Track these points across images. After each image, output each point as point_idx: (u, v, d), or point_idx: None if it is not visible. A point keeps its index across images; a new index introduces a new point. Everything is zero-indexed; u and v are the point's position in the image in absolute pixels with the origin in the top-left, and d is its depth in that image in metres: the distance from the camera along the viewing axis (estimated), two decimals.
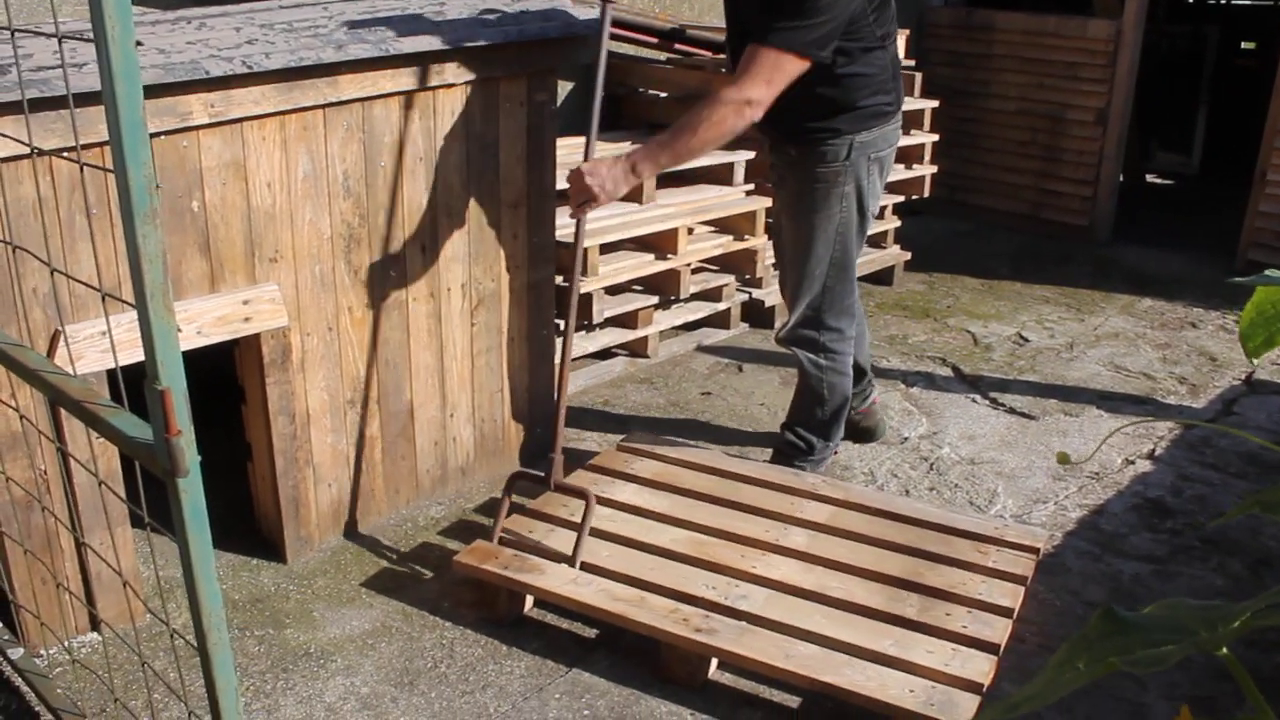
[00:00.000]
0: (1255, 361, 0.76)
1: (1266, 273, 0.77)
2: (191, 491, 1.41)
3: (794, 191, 3.07)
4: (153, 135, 2.33)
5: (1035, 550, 2.85)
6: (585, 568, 2.68)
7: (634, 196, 4.17)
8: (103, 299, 1.52)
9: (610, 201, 2.80)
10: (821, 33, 2.68)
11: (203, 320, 2.55)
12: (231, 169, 2.53)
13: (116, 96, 1.18)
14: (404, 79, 2.77)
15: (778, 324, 4.77)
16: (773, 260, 4.75)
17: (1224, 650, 0.78)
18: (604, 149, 4.44)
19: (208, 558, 1.45)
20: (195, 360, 2.61)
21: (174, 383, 1.33)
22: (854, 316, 3.22)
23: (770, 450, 3.49)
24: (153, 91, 2.25)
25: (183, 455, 1.36)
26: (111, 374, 2.37)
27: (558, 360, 3.14)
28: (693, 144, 2.74)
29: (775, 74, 2.66)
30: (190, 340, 2.52)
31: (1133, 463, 3.65)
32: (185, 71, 2.28)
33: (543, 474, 2.95)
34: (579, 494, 2.85)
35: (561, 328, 3.19)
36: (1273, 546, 3.16)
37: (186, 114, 2.36)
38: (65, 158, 2.12)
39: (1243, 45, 9.26)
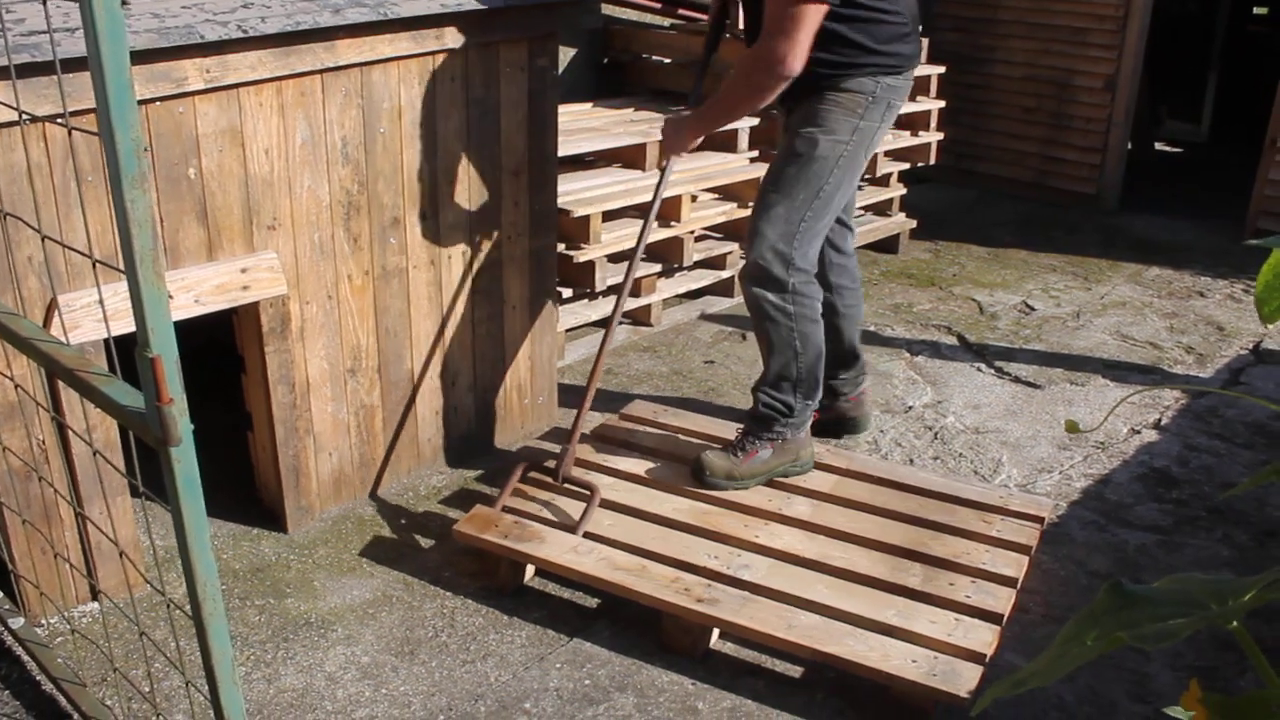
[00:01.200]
0: (1269, 326, 0.73)
1: None
2: (184, 460, 1.39)
3: (805, 112, 2.86)
4: (147, 101, 2.30)
5: (1040, 520, 2.83)
6: (587, 536, 2.67)
7: (637, 162, 4.13)
8: (94, 266, 1.50)
9: (675, 154, 2.99)
10: None
11: (200, 289, 2.52)
12: (228, 135, 2.50)
13: (102, 58, 1.15)
14: (403, 44, 2.73)
15: None
16: None
17: (1235, 624, 0.76)
18: (606, 114, 4.41)
19: (202, 527, 1.43)
20: (194, 329, 2.60)
21: (165, 350, 1.31)
22: (815, 263, 2.95)
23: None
24: (146, 56, 2.22)
25: (175, 423, 1.34)
26: (109, 342, 2.35)
27: (595, 352, 3.10)
28: (739, 96, 2.79)
29: (797, 23, 2.59)
30: (188, 309, 2.50)
31: (1138, 432, 3.63)
32: (179, 36, 2.24)
33: (552, 466, 2.91)
34: (587, 487, 2.83)
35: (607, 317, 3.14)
36: (1279, 517, 3.14)
37: (182, 79, 2.33)
38: (56, 123, 2.09)
39: (1255, 10, 9.16)
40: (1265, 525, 3.10)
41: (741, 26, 3.23)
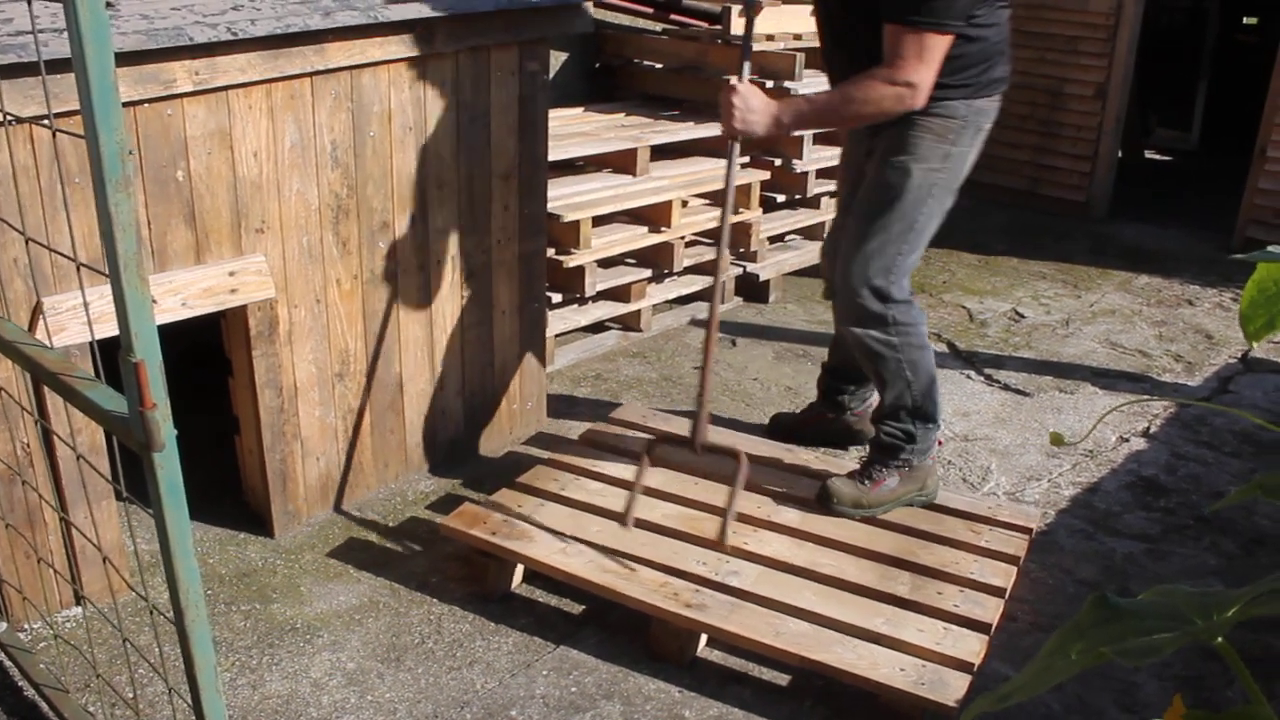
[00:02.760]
0: (1255, 345, 0.73)
1: (1269, 249, 0.74)
2: (168, 466, 1.38)
3: (894, 139, 2.74)
4: (136, 103, 2.29)
5: (1028, 530, 2.83)
6: (576, 541, 2.66)
7: (628, 168, 4.13)
8: (78, 269, 1.49)
9: (742, 134, 2.70)
10: (963, 2, 2.53)
11: (188, 292, 2.51)
12: (217, 138, 2.48)
13: (85, 60, 1.14)
14: (393, 47, 2.72)
15: (772, 298, 4.77)
16: (768, 234, 4.73)
17: (1220, 640, 0.76)
18: (597, 119, 4.41)
19: (185, 533, 1.42)
20: (183, 332, 2.59)
21: (149, 355, 1.30)
22: (909, 290, 2.86)
23: (768, 434, 3.45)
24: (135, 58, 2.21)
25: (158, 429, 1.33)
26: (94, 346, 2.34)
27: (708, 315, 2.95)
28: (844, 115, 2.69)
29: (928, 54, 2.50)
30: (175, 312, 2.48)
31: (1127, 440, 3.63)
32: (168, 38, 2.23)
33: (687, 435, 2.81)
34: (730, 454, 2.74)
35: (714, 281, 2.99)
36: (1266, 526, 3.14)
37: (170, 81, 2.32)
38: (40, 125, 2.08)
39: (1244, 20, 9.19)
40: (1252, 534, 3.10)
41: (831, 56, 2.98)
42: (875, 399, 3.35)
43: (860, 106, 2.60)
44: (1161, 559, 2.97)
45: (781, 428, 3.49)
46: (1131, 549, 3.01)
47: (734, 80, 2.69)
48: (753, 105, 2.66)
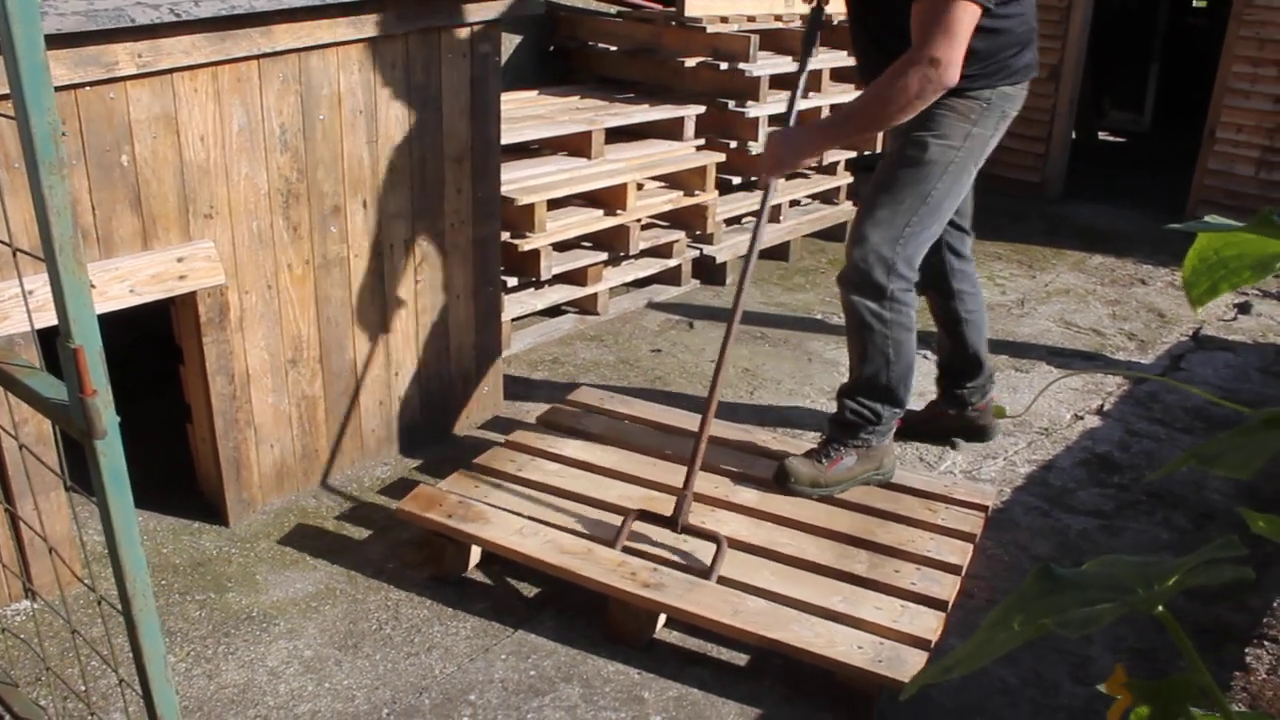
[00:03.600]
0: (1198, 311, 0.73)
1: (1206, 218, 0.74)
2: (110, 453, 1.35)
3: (918, 116, 2.65)
4: (77, 86, 2.25)
5: (984, 508, 2.85)
6: (533, 521, 2.65)
7: (582, 150, 4.11)
8: (14, 255, 1.46)
9: (785, 171, 2.80)
10: None
11: (135, 278, 2.47)
12: (162, 122, 2.45)
13: (14, 39, 1.11)
14: (341, 29, 2.69)
15: (729, 279, 4.77)
16: (724, 216, 4.73)
17: (1160, 609, 0.76)
18: (551, 102, 4.38)
19: (130, 521, 1.40)
20: (135, 320, 2.56)
21: (87, 341, 1.28)
22: (917, 273, 2.84)
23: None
24: (74, 40, 2.16)
25: (99, 416, 1.31)
26: (42, 334, 2.30)
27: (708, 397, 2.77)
28: (878, 115, 2.60)
29: (955, 26, 2.45)
30: (123, 299, 2.45)
31: (1081, 418, 3.67)
32: (109, 19, 2.19)
33: (669, 514, 2.66)
34: (710, 538, 2.60)
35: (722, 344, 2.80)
36: (1216, 500, 3.19)
37: (112, 64, 2.28)
38: None
39: (1194, 4, 9.29)
40: (1203, 508, 3.15)
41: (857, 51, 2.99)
42: (994, 392, 3.35)
43: (891, 102, 2.53)
44: (1115, 534, 3.00)
45: (913, 427, 3.42)
46: (1086, 525, 3.04)
47: (781, 129, 2.77)
48: (781, 146, 2.75)
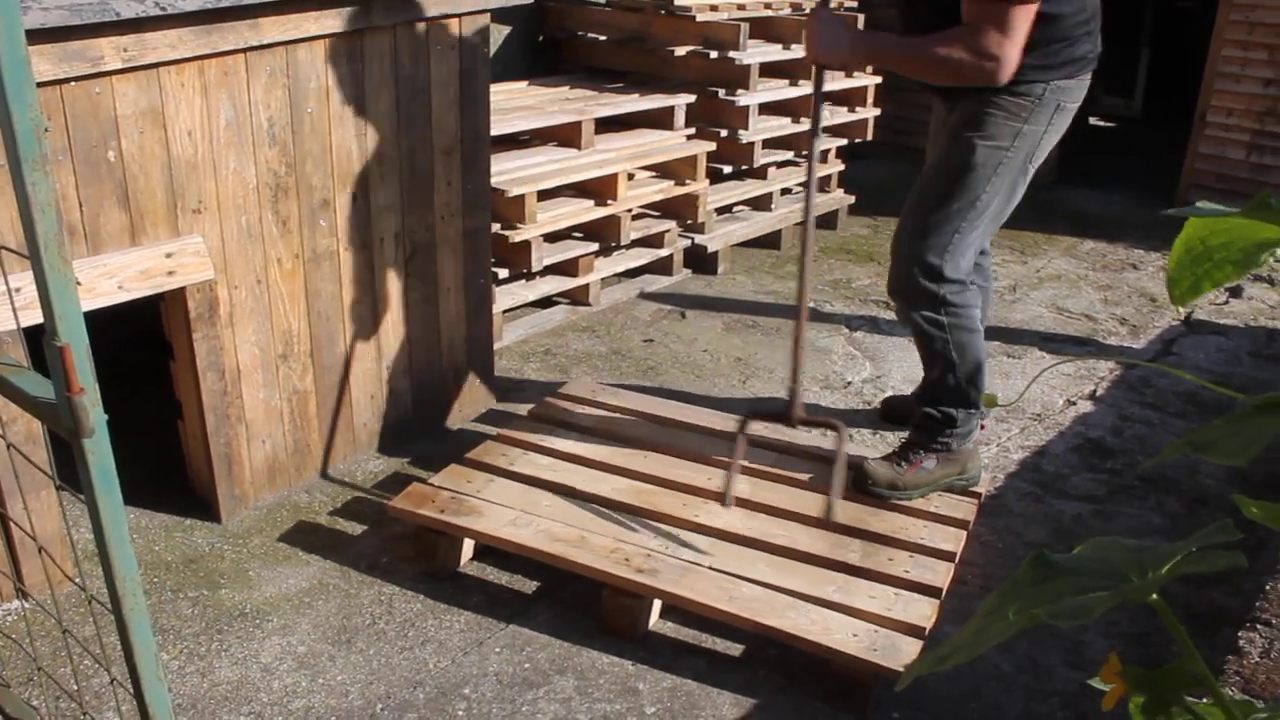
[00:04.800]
0: (1181, 309, 0.72)
1: (1198, 204, 0.73)
2: (98, 451, 1.34)
3: (966, 114, 2.65)
4: (62, 81, 2.24)
5: (977, 494, 2.85)
6: (526, 514, 2.64)
7: (573, 141, 4.09)
8: None
9: (823, 60, 2.67)
10: None
11: (124, 275, 2.46)
12: (149, 116, 2.43)
13: None
14: (329, 21, 2.67)
15: (721, 269, 4.76)
16: (716, 205, 4.72)
17: (1154, 597, 0.76)
18: (541, 92, 4.37)
19: (119, 519, 1.39)
20: (126, 317, 2.54)
21: (74, 338, 1.27)
22: (970, 274, 2.80)
23: (736, 410, 3.44)
24: (59, 34, 2.15)
25: (86, 414, 1.30)
26: (29, 332, 2.29)
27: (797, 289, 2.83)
28: (919, 66, 2.58)
29: (1011, 25, 2.40)
30: (111, 295, 2.43)
31: (1074, 404, 3.67)
32: (93, 13, 2.17)
33: (782, 410, 2.74)
34: (829, 425, 2.72)
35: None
36: (1209, 485, 3.19)
37: (98, 58, 2.26)
38: None
39: None
40: (1196, 493, 3.15)
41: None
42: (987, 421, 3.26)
43: (938, 66, 2.50)
44: (1109, 520, 3.00)
45: (894, 411, 3.40)
46: (1079, 510, 3.04)
47: (819, 8, 2.66)
48: (826, 34, 2.62)
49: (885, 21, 5.42)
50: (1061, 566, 0.89)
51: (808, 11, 2.72)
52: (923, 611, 2.36)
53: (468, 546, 2.70)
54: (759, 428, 2.69)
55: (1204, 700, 0.90)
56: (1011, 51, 2.44)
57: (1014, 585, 0.89)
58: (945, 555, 2.58)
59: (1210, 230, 0.73)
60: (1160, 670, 0.78)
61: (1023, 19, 2.42)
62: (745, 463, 2.87)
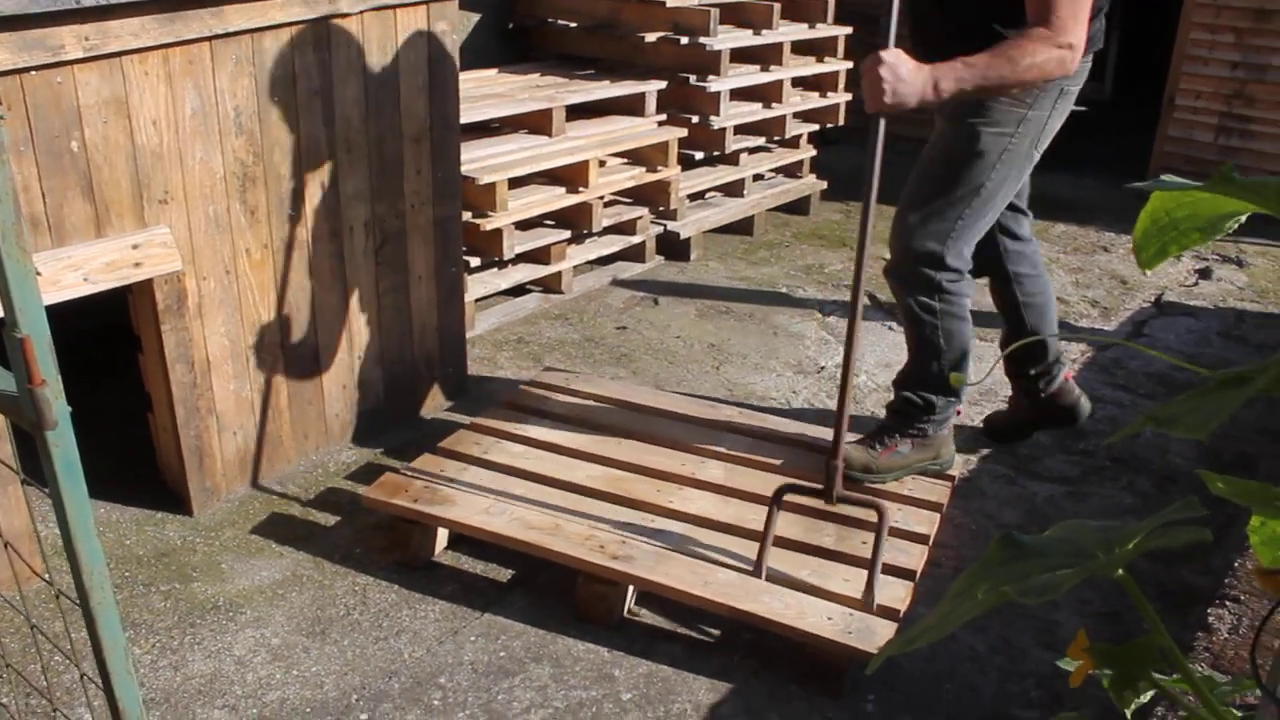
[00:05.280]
0: (1148, 272, 0.72)
1: (1163, 178, 0.74)
2: (63, 444, 1.32)
3: (969, 100, 2.54)
4: (22, 70, 2.21)
5: (951, 478, 2.86)
6: (500, 501, 2.64)
7: (543, 129, 4.08)
8: None
9: (895, 108, 2.38)
10: None
11: (89, 266, 2.43)
12: (112, 106, 2.40)
13: None
14: (295, 8, 2.65)
15: (693, 255, 4.76)
16: (688, 191, 4.71)
17: (1120, 572, 0.76)
18: (511, 80, 4.35)
19: (85, 513, 1.38)
20: (91, 309, 2.52)
21: (35, 329, 1.25)
22: (970, 261, 2.74)
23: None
24: (17, 22, 2.12)
25: (49, 406, 1.28)
26: None
27: (842, 360, 2.63)
28: (1007, 79, 2.37)
29: (1081, 12, 2.33)
30: (77, 288, 2.40)
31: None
32: (53, 0, 2.14)
33: (820, 486, 2.59)
34: (873, 507, 2.50)
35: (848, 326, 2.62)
36: (1180, 464, 3.22)
37: (58, 47, 2.23)
38: None
39: None
40: (1166, 471, 3.17)
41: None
42: (1063, 374, 3.16)
43: (1025, 71, 2.35)
44: (1081, 500, 3.02)
45: (997, 430, 3.32)
46: (1052, 492, 3.06)
47: (878, 52, 2.39)
48: (902, 74, 2.35)
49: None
50: (1029, 547, 0.89)
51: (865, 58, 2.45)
52: (897, 594, 2.37)
53: (442, 536, 2.69)
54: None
55: (1173, 676, 0.90)
56: (1082, 37, 2.36)
57: (983, 566, 0.89)
58: (919, 538, 2.59)
59: (1176, 203, 0.73)
60: (1127, 646, 0.79)
61: (1088, 5, 2.34)
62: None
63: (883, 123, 2.44)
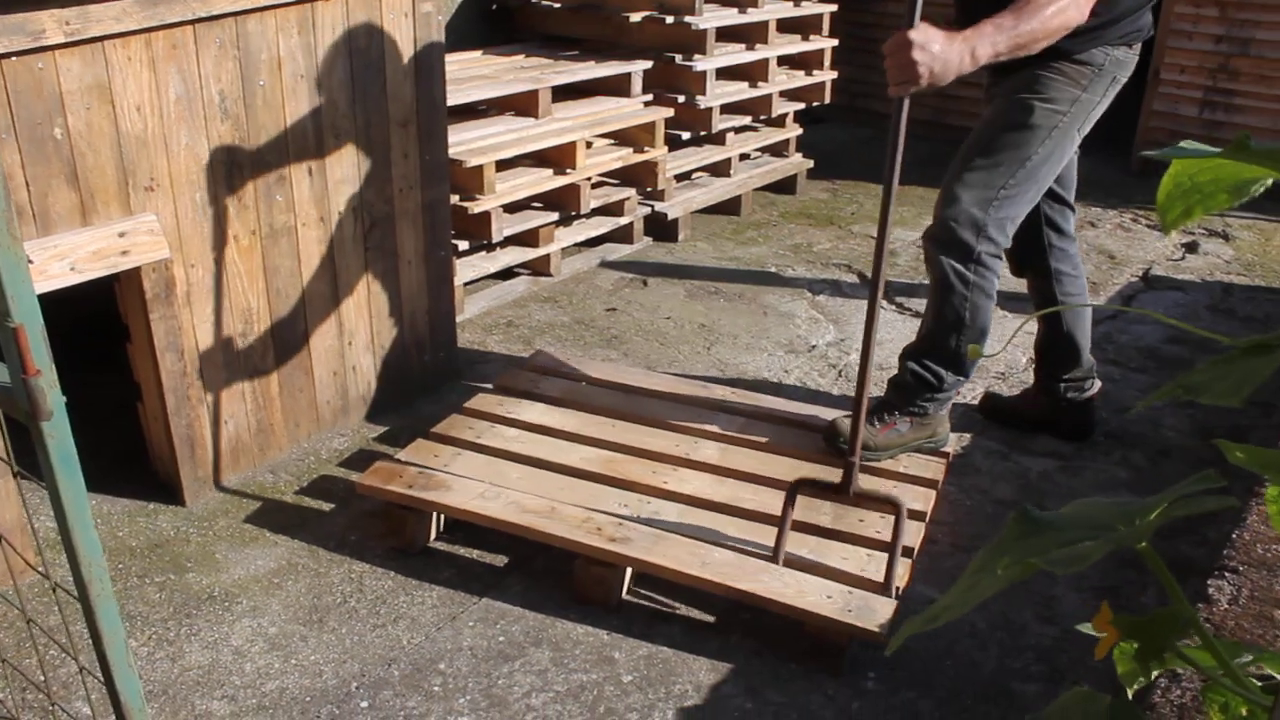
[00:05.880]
0: (1171, 235, 0.72)
1: (1182, 144, 0.73)
2: (58, 435, 1.30)
3: (1025, 78, 2.63)
4: (2, 56, 2.17)
5: (946, 455, 2.86)
6: (494, 485, 2.62)
7: (530, 110, 4.05)
8: None
9: (936, 86, 2.35)
10: None
11: (76, 255, 2.40)
12: (96, 92, 2.37)
13: None
14: None
15: (681, 236, 4.74)
16: (675, 172, 4.69)
17: (1144, 544, 0.75)
18: (496, 61, 4.32)
19: (82, 504, 1.36)
20: (79, 299, 2.49)
21: (28, 319, 1.23)
22: (1009, 241, 2.73)
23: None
24: None
25: (44, 397, 1.26)
26: None
27: (861, 348, 2.59)
28: (1037, 32, 2.35)
29: None
30: (64, 277, 2.38)
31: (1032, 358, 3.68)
32: None
33: (837, 481, 2.57)
34: (889, 501, 2.50)
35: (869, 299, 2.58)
36: (1171, 438, 3.22)
37: (39, 33, 2.20)
38: None
39: None
40: (1159, 445, 3.18)
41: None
42: (1095, 389, 3.15)
43: (1052, 19, 2.35)
44: (1075, 474, 3.03)
45: (995, 411, 3.31)
46: (1046, 466, 3.06)
47: (904, 32, 2.31)
48: (936, 52, 2.28)
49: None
50: (1046, 522, 0.88)
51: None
52: (895, 571, 2.37)
53: (437, 522, 2.67)
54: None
55: (1189, 645, 0.90)
56: None
57: (1001, 542, 0.88)
58: (916, 515, 2.59)
59: (1198, 169, 0.72)
60: (1151, 616, 0.78)
61: None
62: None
63: (906, 104, 2.37)
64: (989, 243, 2.69)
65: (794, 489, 2.49)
